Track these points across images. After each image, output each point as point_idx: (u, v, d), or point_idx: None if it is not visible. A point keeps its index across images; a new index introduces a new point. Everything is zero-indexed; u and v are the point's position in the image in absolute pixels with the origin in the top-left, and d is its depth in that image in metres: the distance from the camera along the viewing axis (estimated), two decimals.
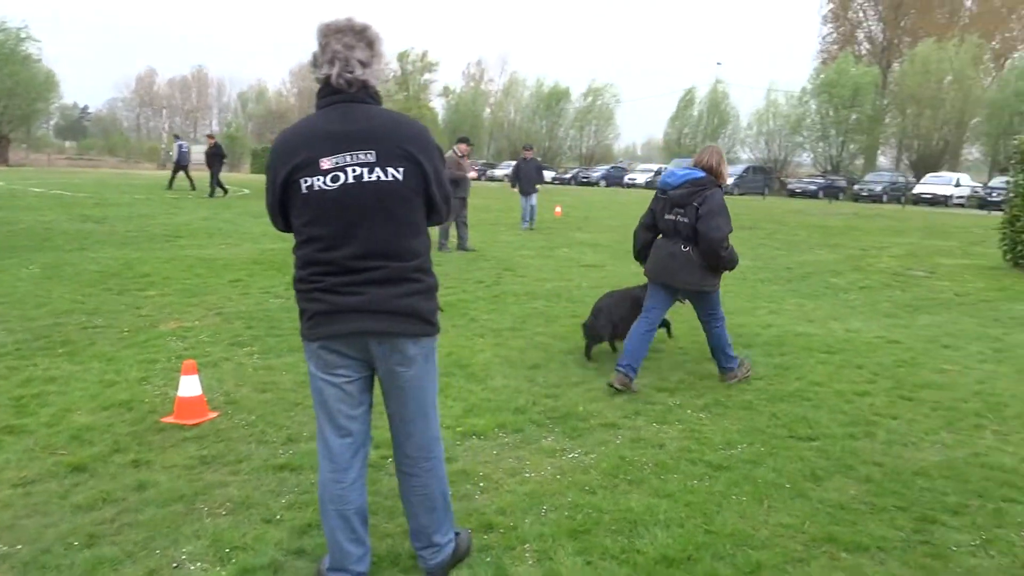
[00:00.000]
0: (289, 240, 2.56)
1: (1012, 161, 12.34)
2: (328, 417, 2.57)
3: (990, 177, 41.31)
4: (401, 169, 2.41)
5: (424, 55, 72.46)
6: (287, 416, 4.42)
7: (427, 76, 73.33)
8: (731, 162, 48.45)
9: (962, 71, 47.39)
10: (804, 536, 3.17)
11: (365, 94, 2.45)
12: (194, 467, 3.70)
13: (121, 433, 4.07)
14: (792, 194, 43.02)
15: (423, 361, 2.57)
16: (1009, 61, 52.70)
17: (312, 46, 2.45)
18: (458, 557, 2.86)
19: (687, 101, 60.71)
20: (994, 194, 30.68)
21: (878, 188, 39.49)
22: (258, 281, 8.79)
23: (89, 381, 4.92)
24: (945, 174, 41.13)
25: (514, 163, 17.68)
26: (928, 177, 40.57)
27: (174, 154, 26.06)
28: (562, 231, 16.54)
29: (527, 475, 3.71)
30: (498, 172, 51.52)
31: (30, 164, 50.42)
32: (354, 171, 2.37)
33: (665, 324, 6.25)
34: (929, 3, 59.67)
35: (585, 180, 51.06)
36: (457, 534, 2.89)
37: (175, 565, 2.84)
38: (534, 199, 16.59)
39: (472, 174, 12.11)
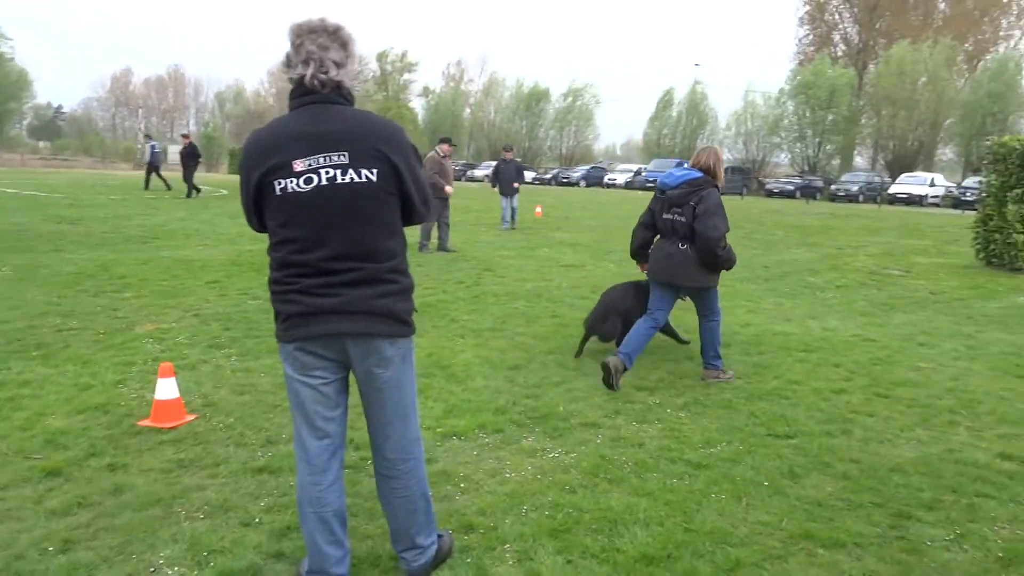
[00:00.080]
0: (266, 241, 2.55)
1: (985, 161, 12.56)
2: (305, 419, 2.56)
3: (964, 177, 41.97)
4: (375, 170, 2.40)
5: (404, 55, 72.42)
6: (266, 418, 4.39)
7: (407, 76, 73.31)
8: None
9: (936, 73, 48.10)
10: (782, 533, 3.20)
11: (338, 95, 2.44)
12: (171, 470, 3.66)
13: (97, 437, 4.02)
14: (770, 194, 43.38)
15: (400, 362, 2.56)
16: (981, 63, 53.56)
17: (286, 46, 2.44)
18: (440, 559, 2.85)
19: (666, 102, 61.08)
20: (967, 194, 31.18)
21: (854, 188, 39.93)
22: (236, 282, 8.72)
23: (64, 384, 4.86)
24: (920, 174, 41.69)
25: (494, 164, 17.71)
26: (903, 177, 41.09)
27: (146, 155, 25.78)
28: (542, 231, 16.56)
29: (507, 475, 3.72)
30: (478, 172, 51.51)
31: (3, 164, 49.64)
32: (327, 173, 2.36)
33: (671, 333, 6.33)
34: (903, 5, 60.47)
35: (565, 180, 51.15)
36: (439, 536, 2.89)
37: (152, 570, 2.81)
38: (515, 199, 16.68)
39: (449, 189, 12.11)
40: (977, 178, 20.40)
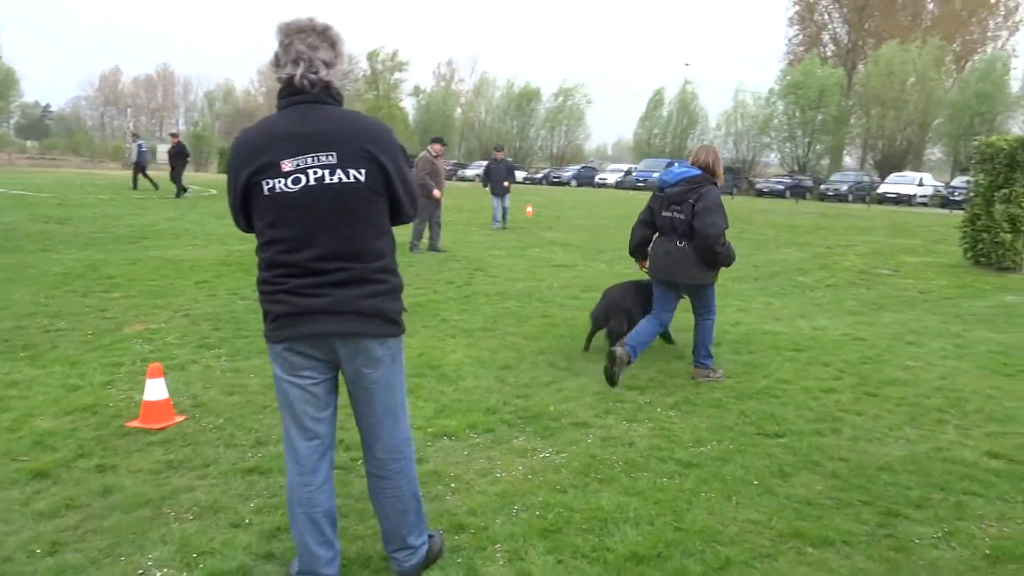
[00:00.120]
0: (255, 241, 2.54)
1: (972, 161, 12.63)
2: (294, 419, 2.55)
3: (952, 177, 42.22)
4: (363, 170, 2.40)
5: (394, 54, 72.39)
6: (256, 419, 4.37)
7: (397, 75, 73.31)
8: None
9: (924, 73, 48.39)
10: (772, 532, 3.21)
11: (327, 95, 2.44)
12: (160, 471, 3.65)
13: (85, 438, 4.00)
14: (760, 194, 43.53)
15: (390, 362, 2.56)
16: (969, 63, 53.94)
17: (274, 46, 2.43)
18: (430, 559, 2.85)
19: (656, 102, 61.25)
20: (956, 193, 31.35)
21: (844, 188, 40.12)
22: (225, 282, 8.69)
23: (52, 385, 4.83)
24: (909, 174, 41.90)
25: (485, 163, 17.73)
26: (892, 177, 41.31)
27: (133, 154, 25.63)
28: (533, 231, 16.57)
29: (498, 475, 3.72)
30: (469, 172, 51.50)
31: None
32: (315, 173, 2.36)
33: (664, 333, 6.35)
34: (892, 6, 60.80)
35: (556, 180, 51.17)
36: (430, 536, 2.89)
37: (141, 572, 2.79)
38: (507, 199, 16.76)
39: (437, 193, 12.09)
40: (965, 178, 20.53)
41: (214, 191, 25.79)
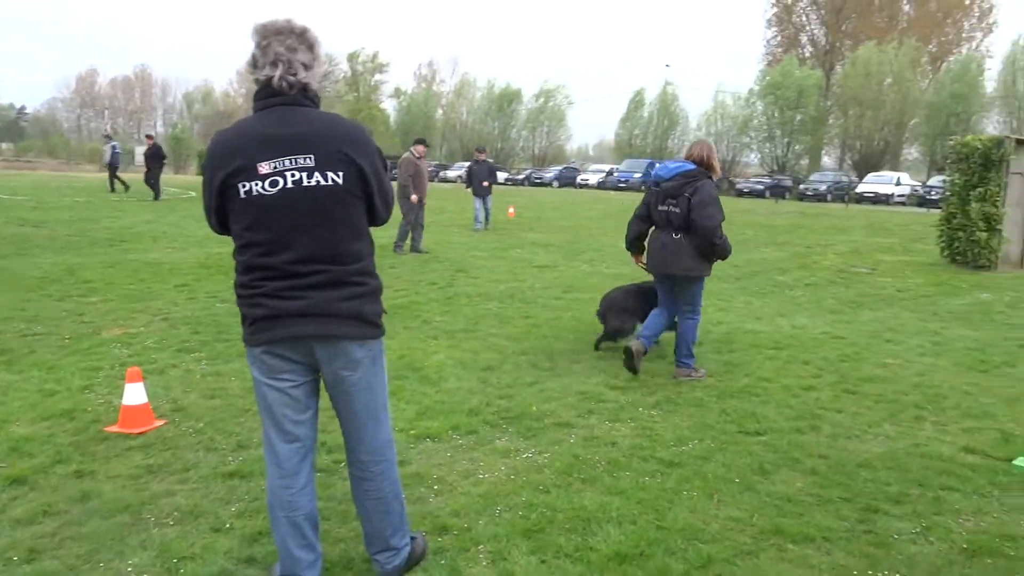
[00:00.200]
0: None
1: (948, 161, 12.79)
2: (274, 423, 2.54)
3: (928, 176, 42.76)
4: (341, 173, 2.39)
5: (375, 56, 72.07)
6: (236, 422, 4.34)
7: (378, 77, 72.98)
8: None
9: (901, 73, 48.98)
10: (753, 529, 3.24)
11: (304, 97, 2.43)
12: (140, 476, 3.61)
13: (63, 443, 3.95)
14: (740, 193, 43.81)
15: (370, 364, 2.55)
16: (945, 64, 54.62)
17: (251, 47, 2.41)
18: (413, 561, 2.85)
19: (637, 102, 61.48)
20: (932, 192, 31.77)
21: (823, 187, 40.49)
22: (205, 285, 8.62)
23: (29, 391, 4.76)
24: (886, 173, 42.37)
25: (467, 164, 17.76)
26: (870, 176, 41.75)
27: (106, 156, 25.33)
28: (515, 232, 16.59)
29: (481, 476, 3.72)
30: (451, 173, 51.43)
31: None
32: (293, 176, 2.35)
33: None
34: (869, 7, 61.48)
35: (538, 181, 51.21)
36: (413, 538, 2.88)
37: None
38: (489, 201, 16.81)
39: (413, 198, 12.09)
40: (941, 177, 20.79)
41: (193, 193, 25.57)
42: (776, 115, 52.62)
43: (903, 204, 37.19)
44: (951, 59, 54.53)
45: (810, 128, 52.84)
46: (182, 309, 7.35)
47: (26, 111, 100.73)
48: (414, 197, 12.11)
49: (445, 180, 49.31)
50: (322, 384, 2.62)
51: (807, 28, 65.32)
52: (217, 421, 4.35)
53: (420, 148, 12.57)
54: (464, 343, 6.36)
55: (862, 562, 3.00)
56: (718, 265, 5.77)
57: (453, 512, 3.32)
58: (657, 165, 5.82)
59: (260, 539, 3.03)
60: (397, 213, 10.73)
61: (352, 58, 71.47)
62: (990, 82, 48.65)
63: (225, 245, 11.59)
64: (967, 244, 12.00)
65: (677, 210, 5.27)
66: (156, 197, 21.70)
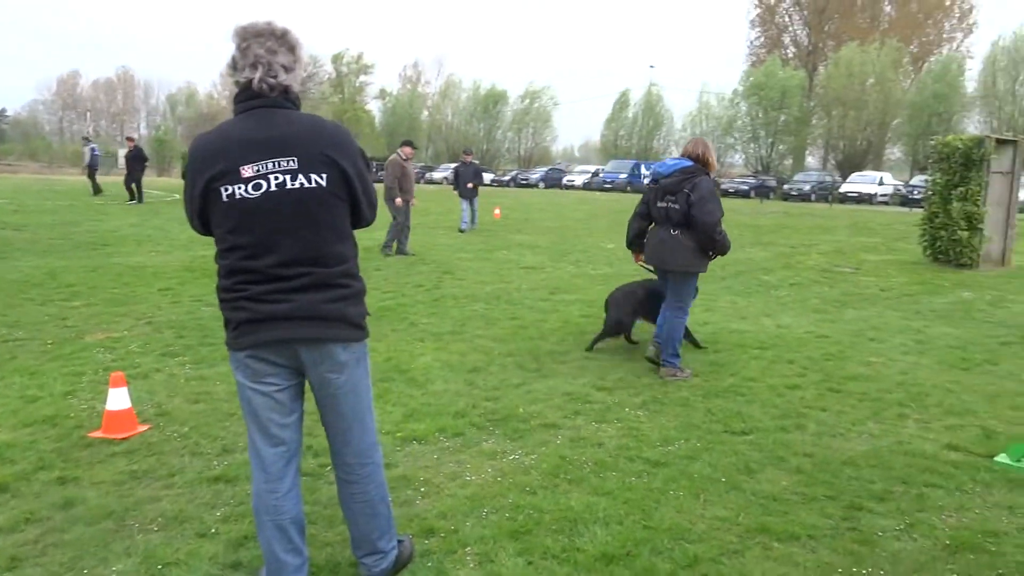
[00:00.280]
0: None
1: (930, 160, 12.90)
2: (259, 427, 2.53)
3: (911, 176, 43.09)
4: (324, 175, 2.38)
5: (359, 57, 71.93)
6: (221, 426, 4.32)
7: (363, 78, 72.83)
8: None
9: (883, 74, 49.42)
10: (739, 528, 3.25)
11: (285, 99, 2.42)
12: (124, 482, 3.58)
13: (45, 450, 3.92)
14: (725, 194, 43.89)
15: (355, 366, 2.55)
16: (926, 64, 55.14)
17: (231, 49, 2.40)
18: (400, 564, 2.84)
19: (622, 104, 61.76)
20: (915, 192, 32.03)
21: (807, 187, 40.76)
22: (189, 289, 8.57)
23: (10, 396, 4.72)
24: (869, 173, 42.70)
25: (454, 166, 17.81)
26: (853, 176, 42.06)
27: (86, 157, 25.11)
28: (501, 233, 16.59)
29: (468, 478, 3.71)
30: (436, 175, 51.40)
31: None
32: (276, 178, 2.34)
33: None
34: (851, 8, 61.98)
35: (524, 182, 51.25)
36: (400, 541, 2.88)
37: None
38: (475, 202, 16.87)
39: (398, 201, 12.09)
40: (923, 177, 20.99)
41: (177, 196, 25.39)
42: (760, 115, 52.98)
43: (886, 204, 37.49)
44: (932, 59, 55.08)
45: (794, 128, 53.23)
46: (166, 313, 7.30)
47: (6, 114, 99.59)
48: (399, 200, 12.10)
49: (431, 182, 49.26)
50: (307, 387, 2.61)
51: (790, 29, 65.83)
52: (202, 425, 4.33)
53: (407, 150, 12.57)
54: (451, 345, 6.35)
55: (847, 559, 3.02)
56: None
57: (440, 514, 3.31)
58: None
59: (246, 544, 3.02)
60: (385, 215, 10.70)
61: (336, 59, 71.29)
62: (971, 82, 49.26)
63: (209, 248, 11.50)
64: (949, 243, 12.11)
65: (676, 206, 5.36)
66: (140, 200, 21.52)
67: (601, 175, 47.66)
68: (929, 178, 12.87)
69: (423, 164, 56.33)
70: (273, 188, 2.33)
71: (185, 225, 2.91)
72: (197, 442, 4.09)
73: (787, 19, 65.70)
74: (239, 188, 2.33)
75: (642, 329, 6.52)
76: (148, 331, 6.55)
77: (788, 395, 5.18)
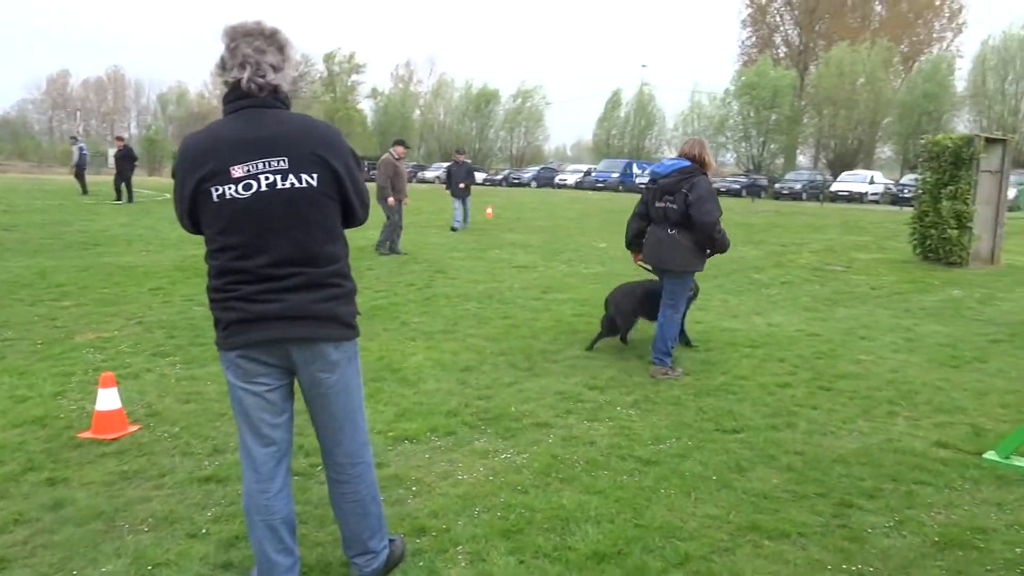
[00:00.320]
0: None
1: (921, 159, 12.95)
2: (250, 427, 2.52)
3: (901, 175, 43.30)
4: (315, 175, 2.38)
5: (351, 56, 71.78)
6: (212, 427, 4.30)
7: (355, 77, 72.70)
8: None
9: (874, 73, 49.64)
10: (730, 526, 3.26)
11: (275, 99, 2.41)
12: (114, 483, 3.57)
13: (34, 450, 3.90)
14: (717, 193, 44.04)
15: (346, 365, 2.54)
16: (916, 64, 55.41)
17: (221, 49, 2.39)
18: (392, 563, 2.84)
19: (614, 103, 61.84)
20: (905, 191, 32.14)
21: (798, 186, 40.88)
22: (180, 289, 8.53)
23: None
24: (860, 172, 42.83)
25: (446, 165, 17.82)
26: (844, 175, 42.19)
27: (74, 157, 24.96)
28: (493, 232, 16.59)
29: (460, 477, 3.71)
30: (428, 174, 51.36)
31: None
32: (267, 179, 2.33)
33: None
34: (842, 8, 62.23)
35: (516, 181, 51.25)
36: (391, 540, 2.87)
37: None
38: (468, 201, 16.92)
39: (391, 200, 12.08)
40: (914, 175, 21.09)
41: (168, 195, 25.27)
42: (751, 115, 53.17)
43: (877, 202, 37.64)
44: (922, 59, 55.36)
45: (785, 128, 53.43)
46: (157, 313, 7.27)
47: None
48: (391, 200, 12.09)
49: (423, 181, 49.22)
50: (296, 387, 2.61)
51: (781, 29, 66.06)
52: (193, 426, 4.31)
53: (400, 149, 12.57)
54: (443, 344, 6.35)
55: (836, 556, 3.04)
56: None
57: (431, 513, 3.31)
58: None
59: (237, 544, 3.01)
60: (378, 214, 10.69)
61: (328, 59, 71.15)
62: (960, 81, 49.57)
63: (201, 247, 11.46)
64: (939, 241, 12.16)
65: (674, 206, 5.41)
66: (130, 200, 21.42)
67: (593, 174, 47.71)
68: (919, 177, 12.92)
69: (415, 163, 56.28)
70: (264, 188, 2.33)
71: (176, 224, 2.90)
72: (188, 442, 4.08)
73: (778, 19, 65.97)
74: (229, 188, 2.32)
75: (640, 330, 6.52)
76: (139, 331, 6.52)
77: (779, 393, 5.19)
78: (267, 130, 2.35)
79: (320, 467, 3.15)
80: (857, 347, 6.63)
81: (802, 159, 58.68)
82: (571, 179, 49.26)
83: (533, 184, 50.06)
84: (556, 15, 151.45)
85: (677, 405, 4.90)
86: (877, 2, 63.00)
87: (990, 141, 12.29)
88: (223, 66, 2.38)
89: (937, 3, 61.22)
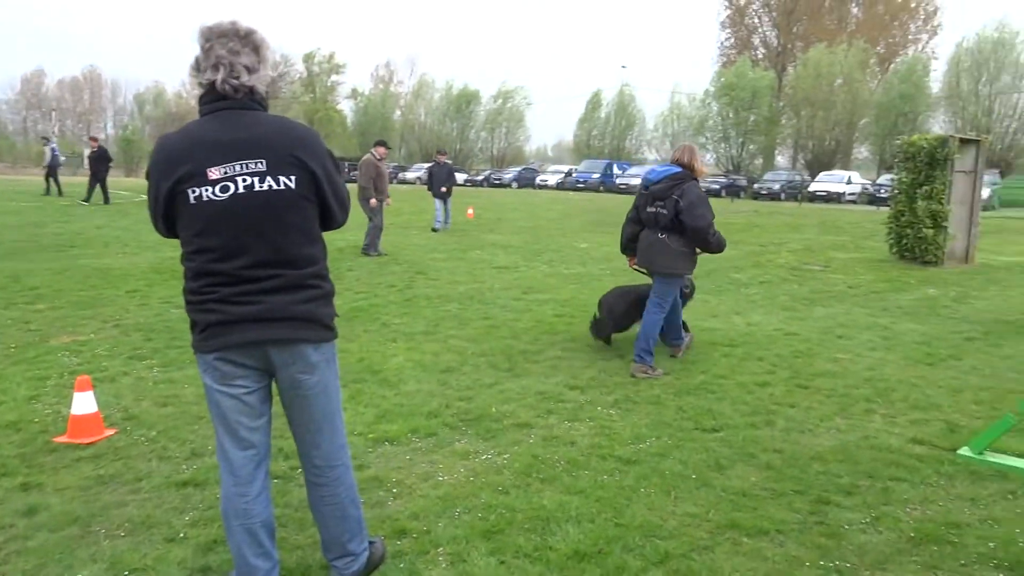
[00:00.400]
0: None
1: (897, 160, 13.09)
2: (228, 430, 2.50)
3: (878, 175, 43.71)
4: (293, 177, 2.37)
5: (331, 56, 71.46)
6: (190, 430, 4.27)
7: (334, 78, 72.38)
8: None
9: (851, 74, 50.15)
10: (709, 524, 3.28)
11: (251, 100, 2.39)
12: (90, 488, 3.53)
13: (8, 455, 3.84)
14: None
15: (325, 367, 2.53)
16: (892, 65, 56.02)
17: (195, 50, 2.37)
18: (372, 565, 2.83)
19: (595, 104, 61.97)
20: (882, 191, 32.47)
21: (776, 186, 41.16)
22: (157, 291, 8.45)
23: None
24: (837, 172, 43.21)
25: (427, 166, 17.79)
26: (822, 175, 42.56)
27: (47, 157, 24.64)
28: (474, 233, 16.58)
29: (440, 479, 3.71)
30: (409, 175, 51.20)
31: None
32: (244, 180, 2.32)
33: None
34: (819, 10, 62.83)
35: (497, 182, 51.19)
36: (371, 543, 2.86)
37: None
38: (449, 202, 16.88)
39: (373, 202, 12.04)
40: (890, 176, 21.31)
41: (144, 196, 24.98)
42: (731, 116, 53.46)
43: (854, 202, 37.98)
44: (898, 60, 55.97)
45: (764, 128, 53.80)
46: (134, 315, 7.20)
47: None
48: (373, 201, 12.04)
49: (404, 181, 49.05)
50: (274, 389, 2.59)
51: (759, 30, 66.57)
52: (170, 429, 4.27)
53: (381, 150, 12.53)
54: (423, 345, 6.34)
55: (814, 553, 3.07)
56: None
57: (412, 515, 3.31)
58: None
59: (215, 548, 2.99)
60: (357, 216, 10.63)
61: (308, 59, 70.78)
62: (935, 83, 50.06)
63: (178, 249, 11.37)
64: (915, 241, 12.30)
65: (665, 211, 5.51)
66: (106, 201, 21.15)
67: (574, 175, 47.75)
68: (895, 177, 13.07)
69: (396, 164, 56.08)
70: (241, 190, 2.31)
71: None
72: (165, 446, 4.04)
73: (756, 21, 66.49)
74: (206, 190, 2.30)
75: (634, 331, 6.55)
76: (115, 334, 6.45)
77: (758, 392, 5.24)
78: (245, 132, 2.33)
79: (299, 469, 3.14)
80: (835, 346, 6.70)
81: (780, 159, 59.15)
82: (552, 180, 49.25)
83: (514, 185, 50.01)
84: (536, 16, 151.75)
85: (657, 404, 4.93)
86: (854, 4, 63.69)
87: (964, 142, 12.45)
88: (197, 67, 2.36)
89: (912, 5, 62.01)
